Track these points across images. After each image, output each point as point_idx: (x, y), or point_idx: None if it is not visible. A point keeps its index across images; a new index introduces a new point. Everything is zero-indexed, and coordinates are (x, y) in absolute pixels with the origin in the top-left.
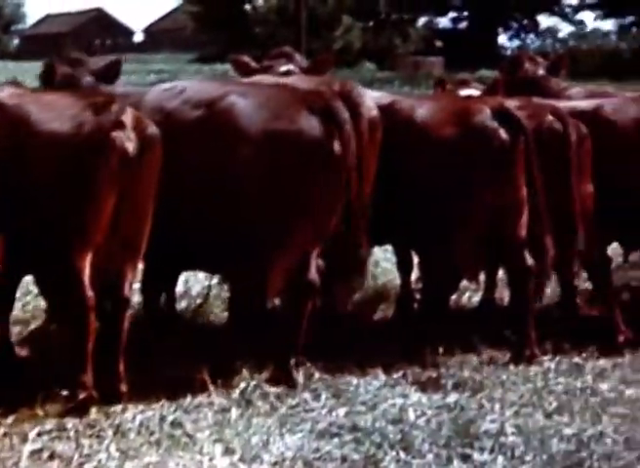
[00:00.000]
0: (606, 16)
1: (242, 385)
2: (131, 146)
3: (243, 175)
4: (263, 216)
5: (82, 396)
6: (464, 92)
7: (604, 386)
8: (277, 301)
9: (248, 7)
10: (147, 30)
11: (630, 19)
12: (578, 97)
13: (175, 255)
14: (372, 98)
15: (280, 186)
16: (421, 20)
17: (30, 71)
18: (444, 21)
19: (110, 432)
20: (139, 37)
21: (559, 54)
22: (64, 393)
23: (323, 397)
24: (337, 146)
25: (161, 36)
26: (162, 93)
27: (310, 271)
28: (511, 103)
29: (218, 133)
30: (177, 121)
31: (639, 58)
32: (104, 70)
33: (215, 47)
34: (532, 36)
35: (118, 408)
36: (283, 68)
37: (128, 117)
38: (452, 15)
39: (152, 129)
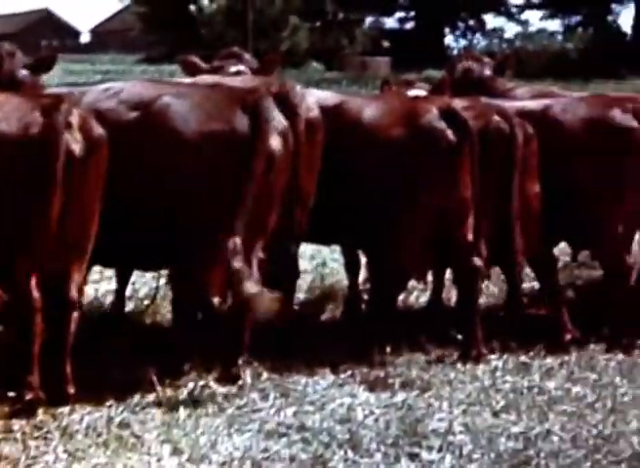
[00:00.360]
0: (552, 15)
1: (190, 385)
2: (77, 148)
3: (179, 174)
4: (201, 216)
5: (29, 397)
6: (412, 92)
7: (551, 384)
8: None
9: (193, 8)
10: (94, 31)
11: (576, 19)
12: (524, 98)
13: (116, 255)
14: (319, 99)
15: (217, 185)
16: (368, 21)
17: None
18: (391, 22)
19: (57, 433)
20: (85, 38)
21: (505, 54)
22: (11, 394)
23: (271, 397)
24: (273, 144)
25: (108, 37)
26: (99, 94)
27: (252, 270)
28: (459, 104)
29: (153, 133)
30: (113, 122)
31: (585, 59)
32: (38, 63)
33: (162, 47)
34: (478, 36)
35: (65, 409)
36: (233, 69)
37: (75, 118)
38: (399, 15)
39: (99, 130)
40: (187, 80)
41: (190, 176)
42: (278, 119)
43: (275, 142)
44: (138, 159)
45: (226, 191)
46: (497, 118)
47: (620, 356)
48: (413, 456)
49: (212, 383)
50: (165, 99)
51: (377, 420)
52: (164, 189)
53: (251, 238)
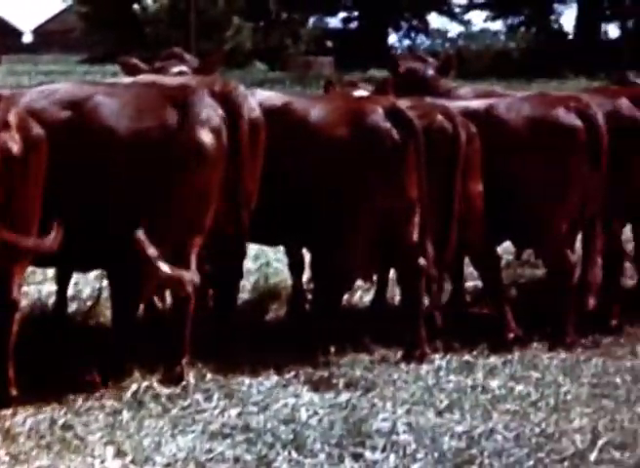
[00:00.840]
0: (495, 17)
1: (133, 387)
2: (15, 147)
3: (112, 172)
4: (136, 214)
5: None
6: (355, 92)
7: (494, 383)
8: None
9: (137, 7)
10: (37, 31)
11: (519, 18)
12: (467, 97)
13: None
14: (264, 99)
15: (150, 183)
16: (312, 21)
17: None
18: (334, 21)
19: (0, 436)
20: (28, 38)
21: (448, 54)
22: None
23: (215, 397)
24: (202, 139)
25: (51, 37)
26: (36, 94)
27: (190, 268)
28: (403, 103)
29: (85, 132)
30: (46, 122)
31: (527, 58)
32: None
33: (104, 47)
34: (422, 36)
35: (8, 412)
36: (176, 69)
37: (12, 117)
38: (342, 15)
39: (37, 129)
40: (126, 80)
41: (123, 174)
42: (210, 114)
43: (205, 137)
44: (71, 158)
45: (160, 188)
46: (440, 118)
47: (563, 354)
48: (357, 456)
49: (155, 384)
50: (96, 99)
51: (321, 420)
52: (98, 188)
53: (186, 236)
